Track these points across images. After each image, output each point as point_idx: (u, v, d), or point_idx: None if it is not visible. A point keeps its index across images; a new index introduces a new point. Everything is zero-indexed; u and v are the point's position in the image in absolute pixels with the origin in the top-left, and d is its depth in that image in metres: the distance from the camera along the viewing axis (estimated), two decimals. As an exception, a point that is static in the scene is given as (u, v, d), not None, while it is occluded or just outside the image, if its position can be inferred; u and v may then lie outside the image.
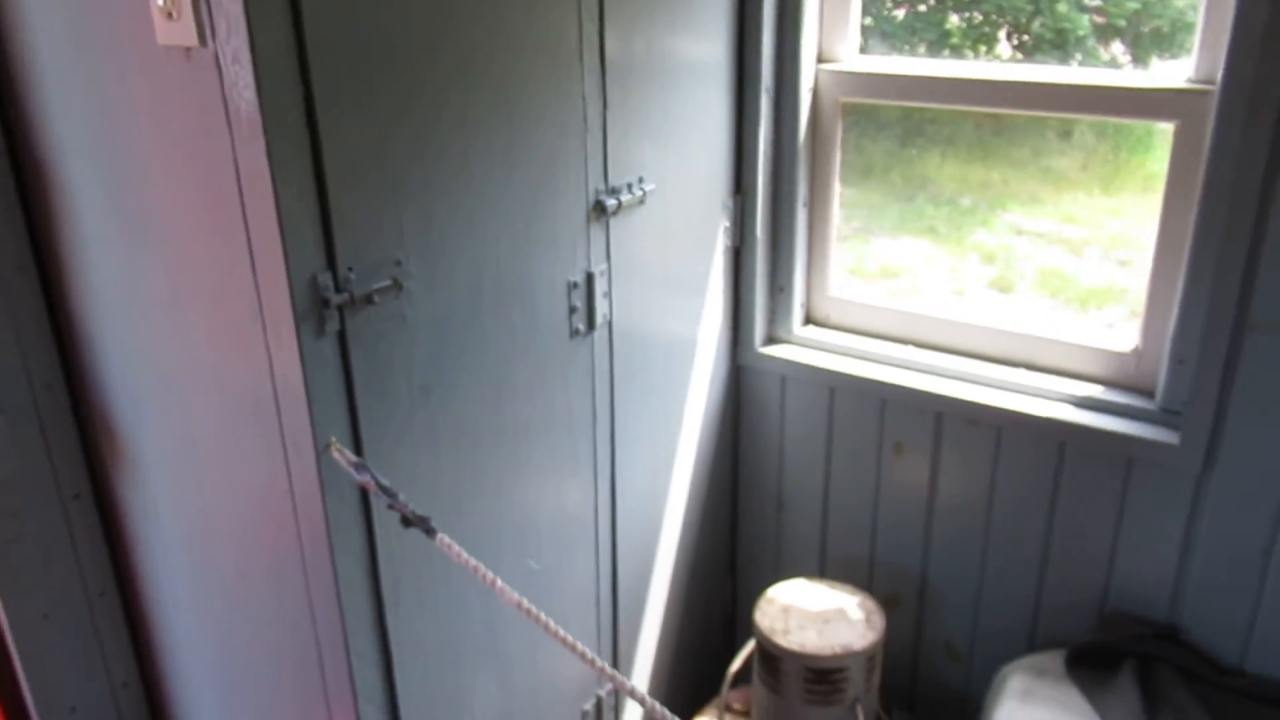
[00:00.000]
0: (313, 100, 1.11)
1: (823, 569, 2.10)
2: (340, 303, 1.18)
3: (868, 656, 1.69)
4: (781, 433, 2.06)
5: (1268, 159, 1.42)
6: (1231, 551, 1.61)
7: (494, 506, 1.54)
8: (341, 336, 1.21)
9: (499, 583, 1.13)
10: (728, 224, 1.95)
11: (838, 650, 1.66)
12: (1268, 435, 1.53)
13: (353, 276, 1.19)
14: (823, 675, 1.67)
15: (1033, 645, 1.86)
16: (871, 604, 1.79)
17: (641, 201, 1.67)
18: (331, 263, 1.17)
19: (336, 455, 1.20)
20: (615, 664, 1.92)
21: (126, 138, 1.23)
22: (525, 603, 1.11)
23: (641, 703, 1.07)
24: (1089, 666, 1.68)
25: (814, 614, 1.76)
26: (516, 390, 1.51)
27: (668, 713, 1.04)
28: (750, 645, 1.86)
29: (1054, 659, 1.72)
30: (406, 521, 1.21)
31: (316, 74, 1.10)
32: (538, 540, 1.65)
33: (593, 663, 1.09)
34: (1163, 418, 1.67)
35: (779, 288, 2.02)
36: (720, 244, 1.95)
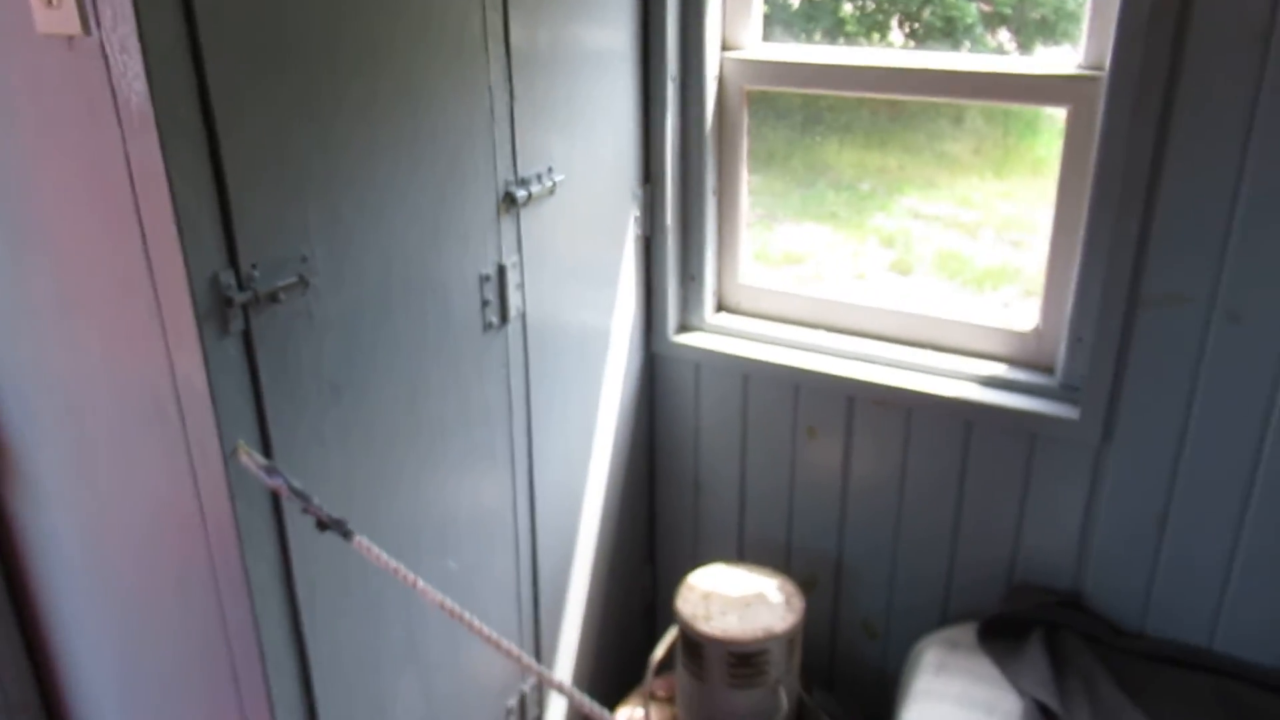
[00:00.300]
0: (208, 91, 1.06)
1: (741, 553, 2.12)
2: (244, 301, 1.14)
3: (788, 639, 1.71)
4: (697, 420, 2.07)
5: (1155, 141, 1.48)
6: (1129, 521, 1.68)
7: (411, 506, 1.51)
8: (246, 336, 1.17)
9: (420, 583, 1.11)
10: (638, 213, 1.95)
11: (759, 634, 1.68)
12: (1161, 408, 1.60)
13: (256, 274, 1.15)
14: (745, 659, 1.69)
15: (945, 619, 1.91)
16: (790, 586, 1.82)
17: (551, 192, 1.65)
18: (233, 260, 1.13)
19: (245, 459, 1.16)
20: (538, 658, 1.91)
21: (6, 134, 1.17)
22: (448, 601, 1.09)
23: (567, 695, 1.07)
24: (999, 637, 1.73)
25: (734, 599, 1.78)
26: (430, 386, 1.49)
27: (592, 703, 1.03)
28: (672, 632, 1.87)
29: (966, 631, 1.77)
30: (322, 525, 1.18)
31: (211, 64, 1.06)
32: (457, 538, 1.63)
33: (518, 658, 1.08)
34: (1063, 394, 1.73)
35: (690, 276, 2.03)
36: (631, 233, 1.94)
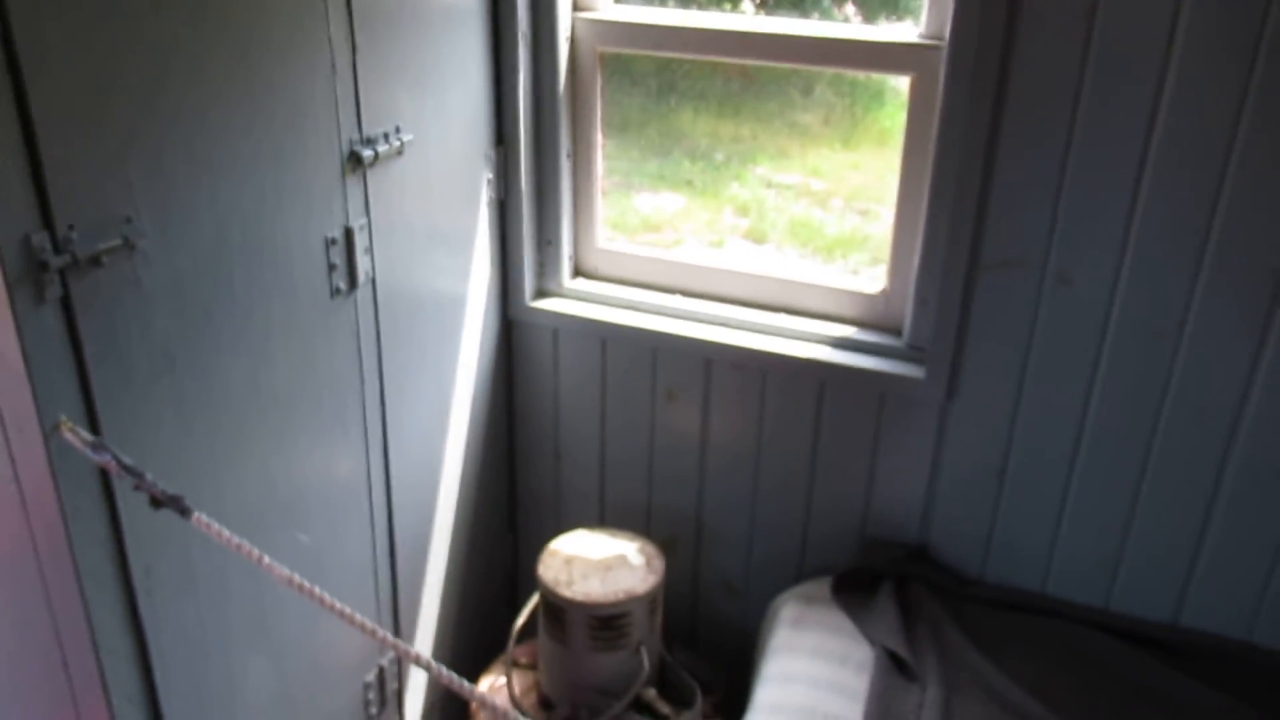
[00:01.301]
0: (11, 37, 0.98)
1: (602, 518, 2.13)
2: (61, 265, 1.05)
3: (650, 600, 1.73)
4: (556, 386, 2.06)
5: (992, 112, 1.54)
6: (971, 474, 1.76)
7: (257, 481, 1.45)
8: (66, 303, 1.09)
9: (266, 559, 1.06)
10: (491, 176, 1.90)
11: (620, 596, 1.69)
12: (1000, 366, 1.67)
13: (75, 236, 1.07)
14: (607, 622, 1.69)
15: (801, 575, 1.96)
16: (651, 548, 1.83)
17: (400, 153, 1.59)
18: (48, 221, 1.05)
19: (68, 435, 1.09)
20: (397, 632, 1.87)
21: None
22: (296, 578, 1.05)
23: (425, 667, 1.04)
24: (852, 590, 1.79)
25: (596, 563, 1.78)
26: (273, 355, 1.42)
27: (450, 674, 1.01)
28: (534, 599, 1.86)
29: (821, 586, 1.82)
30: (156, 502, 1.11)
31: (15, 8, 0.97)
32: (306, 513, 1.57)
33: (373, 633, 1.05)
34: (909, 354, 1.79)
35: (546, 240, 2.00)
36: (484, 197, 1.90)
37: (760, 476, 1.93)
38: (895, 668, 1.60)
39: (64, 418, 1.10)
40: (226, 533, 1.08)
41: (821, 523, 1.91)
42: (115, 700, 1.30)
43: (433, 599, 1.97)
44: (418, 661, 1.04)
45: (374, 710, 1.84)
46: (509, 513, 2.23)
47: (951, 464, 1.77)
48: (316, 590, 1.05)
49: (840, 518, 1.89)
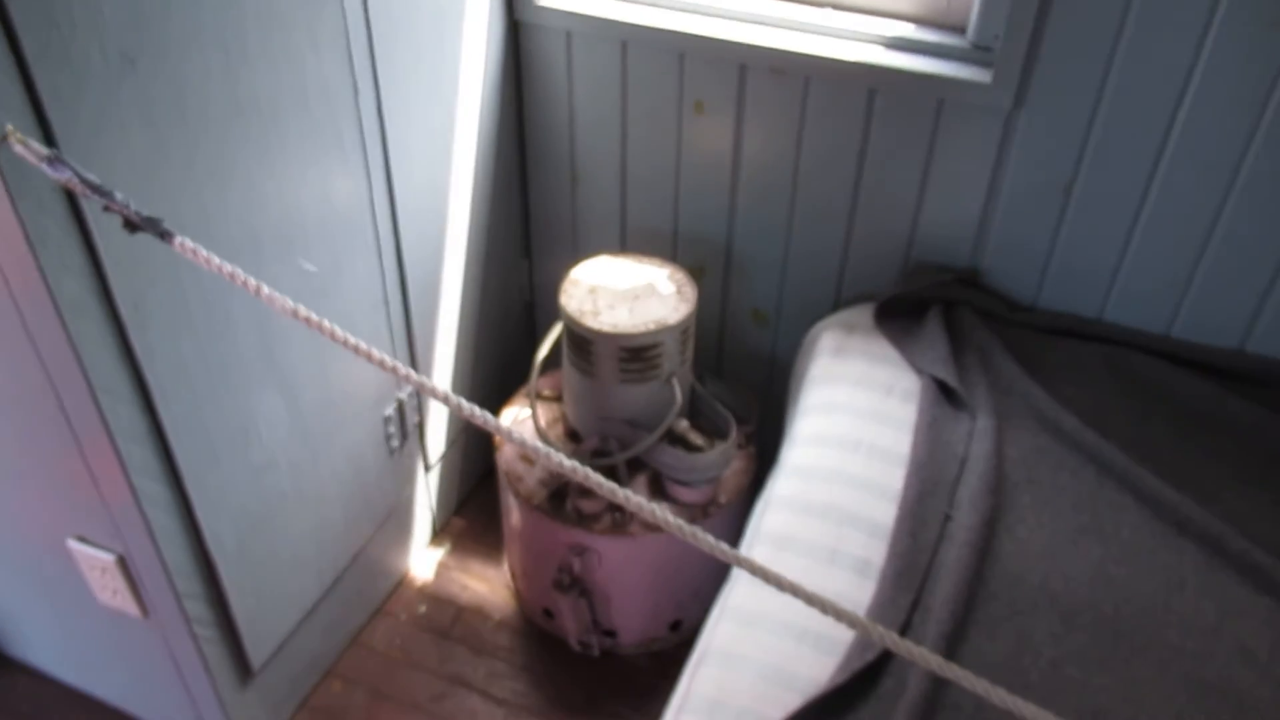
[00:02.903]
0: None
1: (624, 244, 1.99)
2: (-26, -69, 0.85)
3: (681, 330, 1.62)
4: (570, 97, 1.85)
5: None
6: (1035, 191, 1.59)
7: (247, 204, 1.29)
8: (-10, -13, 0.89)
9: (265, 289, 0.93)
10: None
11: (651, 327, 1.58)
12: (1078, 70, 1.47)
13: (-15, -108, 0.85)
14: (637, 353, 1.59)
15: (838, 304, 1.85)
16: (682, 275, 1.70)
17: None
18: None
19: (19, 148, 0.92)
20: (414, 364, 1.78)
21: None
22: (302, 310, 0.92)
23: (444, 400, 0.93)
24: (896, 318, 1.68)
25: (623, 292, 1.66)
26: (249, 55, 1.22)
27: (471, 406, 0.90)
28: (556, 330, 1.75)
29: (862, 314, 1.71)
30: (131, 225, 0.96)
31: None
32: (305, 242, 1.42)
33: (383, 364, 0.93)
34: (974, 54, 1.57)
35: (558, -75, 1.73)
36: None
37: (798, 196, 1.77)
38: (944, 396, 1.52)
39: (11, 126, 0.93)
40: (215, 259, 0.93)
41: (863, 247, 1.77)
42: (120, 442, 1.21)
43: (448, 330, 1.87)
44: (434, 393, 0.92)
45: (395, 444, 1.78)
46: (523, 237, 2.08)
47: (1013, 180, 1.60)
48: (325, 323, 0.92)
49: (884, 242, 1.75)
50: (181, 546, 1.37)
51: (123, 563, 1.39)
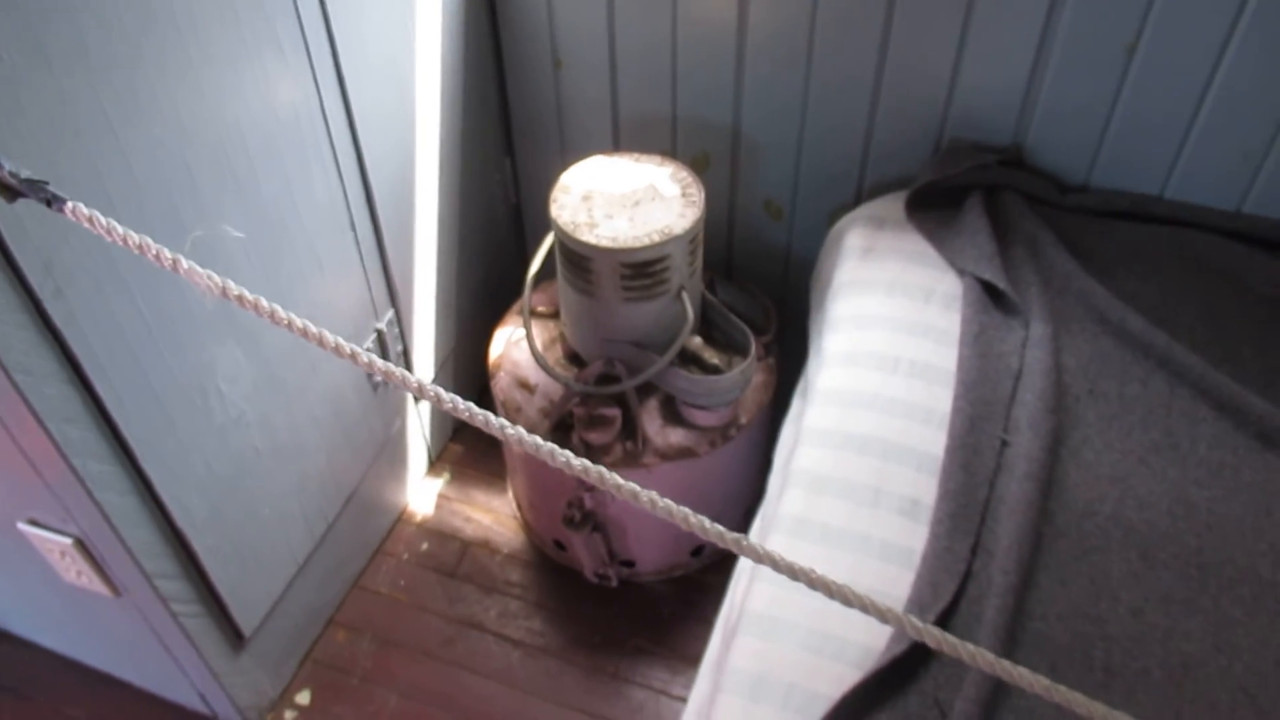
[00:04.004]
0: None
1: (617, 138, 1.77)
2: None
3: (690, 239, 1.43)
4: (547, -30, 1.61)
5: None
6: (1091, 51, 1.37)
7: (173, 132, 1.09)
8: None
9: (184, 264, 0.74)
10: None
11: (656, 239, 1.38)
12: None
13: None
14: (641, 269, 1.40)
15: (861, 191, 1.64)
16: (686, 173, 1.49)
17: None
18: None
19: None
20: (390, 291, 1.60)
21: None
22: (232, 287, 0.73)
23: (427, 397, 0.77)
24: (931, 208, 1.48)
25: (620, 197, 1.45)
26: (151, -50, 1.00)
27: (469, 406, 0.73)
28: (548, 241, 1.56)
29: (892, 205, 1.51)
30: (9, 191, 0.77)
31: None
32: (250, 166, 1.22)
33: (335, 349, 0.76)
34: (1018, -109, 1.33)
35: None
36: None
37: (814, 67, 1.54)
38: (991, 300, 1.34)
39: None
40: (119, 228, 0.74)
41: (890, 124, 1.55)
42: (51, 424, 1.04)
43: (428, 245, 1.67)
44: (405, 385, 0.75)
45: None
46: (503, 135, 1.86)
47: (1067, 40, 1.37)
48: (260, 301, 0.74)
49: (915, 117, 1.53)
50: (143, 525, 1.22)
51: (81, 545, 1.24)
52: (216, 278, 0.74)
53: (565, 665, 1.63)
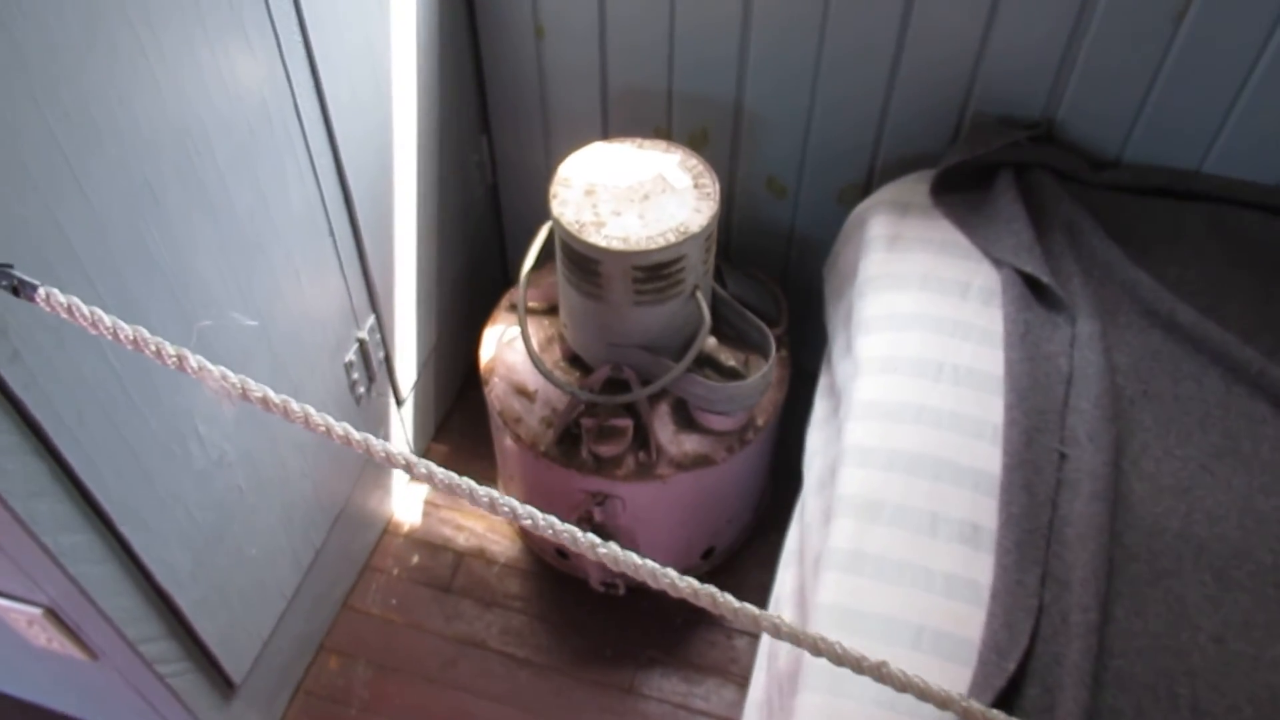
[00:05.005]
0: None
1: (605, 113, 1.62)
2: None
3: (706, 235, 1.31)
4: (528, -69, 1.44)
5: None
6: (1134, 18, 1.27)
7: (128, 139, 0.93)
8: None
9: (153, 343, 0.61)
10: None
11: (671, 239, 1.26)
12: None
13: None
14: (655, 270, 1.28)
15: (874, 170, 1.53)
16: (696, 161, 1.37)
17: None
18: None
19: None
20: (371, 297, 1.45)
21: None
22: (252, 386, 0.61)
23: (426, 479, 0.65)
24: (958, 190, 1.38)
25: (627, 190, 1.32)
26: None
27: (489, 493, 0.62)
28: (541, 236, 1.43)
29: (915, 188, 1.40)
30: (-39, 275, 0.62)
31: None
32: (219, 180, 1.07)
33: (316, 425, 0.64)
34: None
35: None
36: None
37: (828, 33, 1.40)
38: (1033, 295, 1.25)
39: None
40: (106, 317, 0.60)
41: (910, 96, 1.43)
42: (16, 502, 0.92)
43: (406, 241, 1.53)
44: (391, 462, 0.64)
45: (362, 389, 1.48)
46: (479, 112, 1.70)
47: (1109, 6, 1.27)
48: (289, 404, 0.61)
49: (937, 87, 1.41)
50: (123, 592, 1.08)
51: (53, 614, 1.10)
52: (232, 376, 0.61)
53: (575, 683, 1.54)
